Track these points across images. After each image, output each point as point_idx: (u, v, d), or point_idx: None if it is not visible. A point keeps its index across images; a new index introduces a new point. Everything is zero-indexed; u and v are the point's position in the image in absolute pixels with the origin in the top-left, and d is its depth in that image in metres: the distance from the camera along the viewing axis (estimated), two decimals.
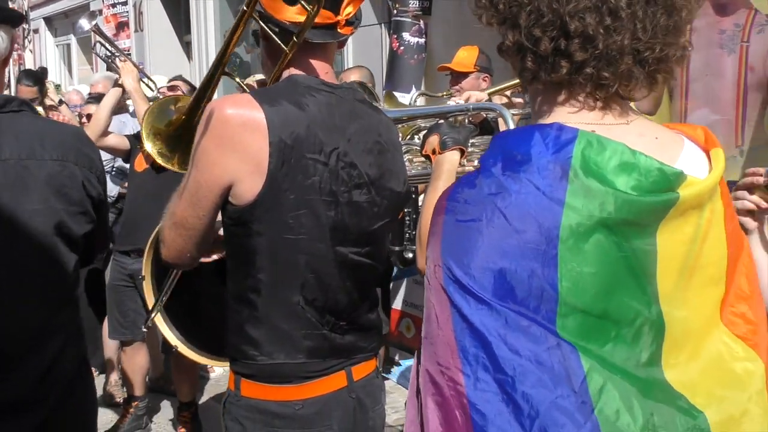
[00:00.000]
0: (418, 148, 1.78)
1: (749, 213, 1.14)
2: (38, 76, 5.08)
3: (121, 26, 7.92)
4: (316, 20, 1.26)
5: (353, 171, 1.29)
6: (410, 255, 2.32)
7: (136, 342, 3.30)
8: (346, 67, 5.07)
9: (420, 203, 2.65)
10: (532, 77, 0.88)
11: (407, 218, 2.82)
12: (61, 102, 5.73)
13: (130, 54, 7.75)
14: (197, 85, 4.31)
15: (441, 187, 1.53)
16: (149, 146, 1.84)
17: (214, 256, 1.43)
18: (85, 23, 3.45)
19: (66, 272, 1.39)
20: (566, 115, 0.87)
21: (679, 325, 0.86)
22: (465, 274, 0.80)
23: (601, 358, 0.81)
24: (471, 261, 0.80)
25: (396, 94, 4.55)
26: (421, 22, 4.65)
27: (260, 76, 3.94)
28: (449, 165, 1.59)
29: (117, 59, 3.19)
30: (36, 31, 10.32)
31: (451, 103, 2.39)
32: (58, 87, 7.24)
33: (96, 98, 4.37)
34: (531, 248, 0.79)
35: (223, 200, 1.25)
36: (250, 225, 1.24)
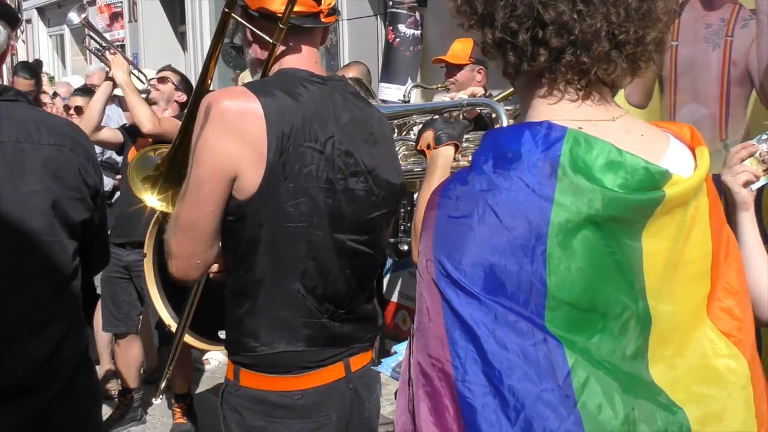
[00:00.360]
0: (413, 143, 1.80)
1: (746, 185, 1.13)
2: (35, 69, 5.05)
3: (115, 17, 7.86)
4: (300, 9, 1.29)
5: (349, 159, 1.30)
6: (405, 247, 2.35)
7: (130, 335, 3.32)
8: (342, 58, 5.07)
9: (415, 195, 2.67)
10: (515, 71, 0.90)
11: (401, 210, 2.84)
12: (55, 94, 5.70)
13: (124, 44, 7.71)
14: (190, 75, 4.31)
15: (435, 182, 1.54)
16: (149, 199, 1.84)
17: (215, 266, 1.41)
18: (74, 16, 3.41)
19: (64, 256, 1.39)
20: (549, 106, 0.89)
21: (665, 320, 0.88)
22: (456, 269, 0.82)
23: (586, 351, 0.83)
24: (462, 256, 0.82)
25: (390, 85, 4.56)
26: (417, 13, 4.64)
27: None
28: (444, 160, 1.61)
29: (107, 52, 3.17)
30: (29, 21, 10.22)
31: (446, 98, 2.41)
32: (51, 79, 7.20)
33: (83, 90, 4.35)
34: (520, 244, 0.81)
35: (228, 194, 1.24)
36: (251, 217, 1.25)
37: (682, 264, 0.90)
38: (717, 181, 1.10)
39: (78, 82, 5.84)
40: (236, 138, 1.22)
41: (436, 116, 1.84)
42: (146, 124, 2.89)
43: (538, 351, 0.81)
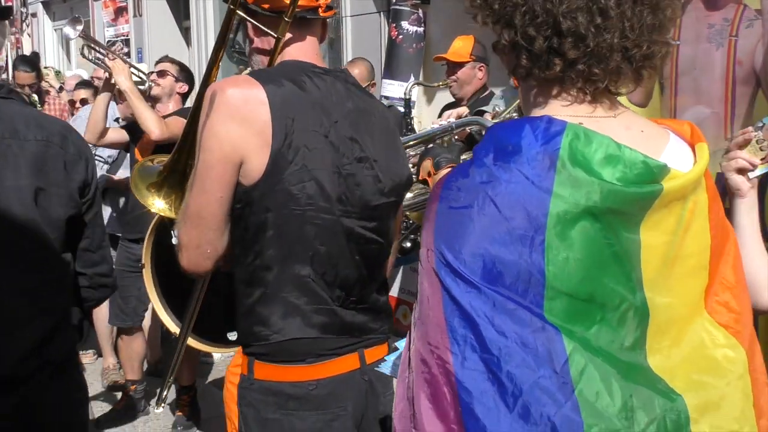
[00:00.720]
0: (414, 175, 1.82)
1: (741, 172, 1.11)
2: (34, 62, 5.08)
3: (120, 11, 7.87)
4: (301, 3, 1.31)
5: (354, 145, 1.31)
6: (408, 244, 2.36)
7: (134, 328, 3.34)
8: (345, 55, 5.08)
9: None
10: (526, 74, 0.92)
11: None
12: (61, 89, 5.72)
13: (129, 39, 7.72)
14: (194, 71, 4.30)
15: None
16: (156, 203, 1.85)
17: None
18: (71, 31, 3.38)
19: (48, 253, 1.38)
20: (558, 108, 0.91)
21: (663, 312, 0.90)
22: (456, 258, 0.84)
23: (585, 340, 0.84)
24: (462, 246, 0.84)
25: (393, 82, 4.58)
26: (420, 11, 4.64)
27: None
28: None
29: (106, 59, 3.15)
30: (34, 15, 10.24)
31: (435, 126, 2.45)
32: (58, 73, 7.21)
33: (84, 84, 4.38)
34: (519, 235, 0.83)
35: (235, 180, 1.25)
36: (258, 202, 1.26)
37: (680, 257, 0.91)
38: (721, 179, 1.12)
39: (85, 76, 5.86)
40: (241, 124, 1.23)
41: (430, 145, 1.86)
42: (154, 131, 2.90)
43: (536, 338, 0.82)
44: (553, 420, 0.80)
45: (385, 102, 3.99)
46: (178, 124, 2.93)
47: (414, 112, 4.72)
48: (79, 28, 3.42)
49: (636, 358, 0.88)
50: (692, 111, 2.35)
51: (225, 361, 3.98)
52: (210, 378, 3.82)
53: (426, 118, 4.80)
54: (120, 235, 3.42)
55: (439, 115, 3.72)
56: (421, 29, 4.68)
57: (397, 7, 4.69)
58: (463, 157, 1.78)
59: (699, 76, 2.32)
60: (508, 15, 0.88)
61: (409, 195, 1.92)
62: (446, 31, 3.90)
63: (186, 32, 7.39)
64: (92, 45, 3.50)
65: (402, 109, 3.67)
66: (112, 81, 3.07)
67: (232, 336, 1.89)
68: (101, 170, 3.80)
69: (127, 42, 7.81)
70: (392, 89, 4.49)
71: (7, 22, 1.45)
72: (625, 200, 0.85)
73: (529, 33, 0.87)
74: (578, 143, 0.85)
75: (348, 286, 1.33)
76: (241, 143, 1.23)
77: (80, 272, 1.50)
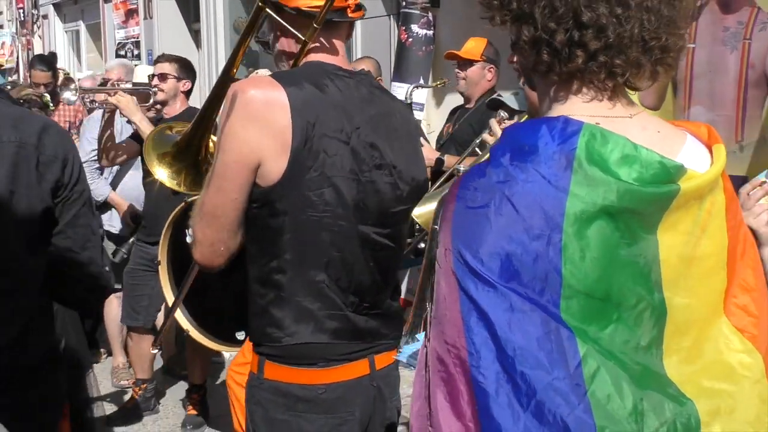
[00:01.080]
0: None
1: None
2: (51, 62, 5.12)
3: (131, 13, 7.93)
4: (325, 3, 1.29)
5: (374, 152, 1.31)
6: (422, 245, 2.36)
7: (145, 328, 3.36)
8: (355, 57, 5.09)
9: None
10: (547, 69, 0.91)
11: None
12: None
13: (139, 41, 7.77)
14: (204, 72, 4.31)
15: None
16: (160, 172, 1.87)
17: None
18: (70, 95, 3.35)
19: (12, 257, 1.35)
20: (579, 104, 0.91)
21: (681, 313, 0.90)
22: (473, 257, 0.84)
23: (598, 342, 0.84)
24: (479, 246, 0.84)
25: (403, 85, 4.59)
26: (430, 14, 4.66)
27: (263, 71, 3.96)
28: None
29: (109, 98, 3.16)
30: (45, 17, 10.33)
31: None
32: (68, 75, 7.27)
33: (104, 85, 4.42)
34: (536, 234, 0.83)
35: (251, 181, 1.25)
36: (275, 204, 1.26)
37: (697, 258, 0.91)
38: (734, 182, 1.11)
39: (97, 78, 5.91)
40: (261, 127, 1.23)
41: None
42: None
43: (550, 340, 0.82)
44: (566, 421, 0.81)
45: None
46: None
47: (422, 115, 4.74)
48: (74, 86, 3.40)
49: (650, 359, 0.89)
50: (702, 110, 2.35)
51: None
52: (220, 377, 3.84)
53: (435, 120, 4.81)
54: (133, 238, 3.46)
55: (448, 119, 3.73)
56: (430, 32, 4.69)
57: (407, 10, 4.71)
58: (461, 167, 1.77)
59: (713, 78, 2.32)
60: (527, 11, 0.89)
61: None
62: (456, 35, 3.92)
63: (196, 34, 7.44)
64: (91, 92, 3.50)
65: None
66: (125, 118, 3.10)
67: (240, 335, 1.91)
68: (105, 180, 3.83)
69: (137, 44, 7.87)
70: (401, 92, 4.50)
71: None
72: (642, 200, 0.85)
73: (549, 27, 0.87)
74: (595, 143, 0.85)
75: (362, 291, 1.34)
76: (259, 146, 1.23)
77: (68, 274, 1.47)
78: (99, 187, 3.73)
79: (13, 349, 1.36)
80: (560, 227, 0.83)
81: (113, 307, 3.61)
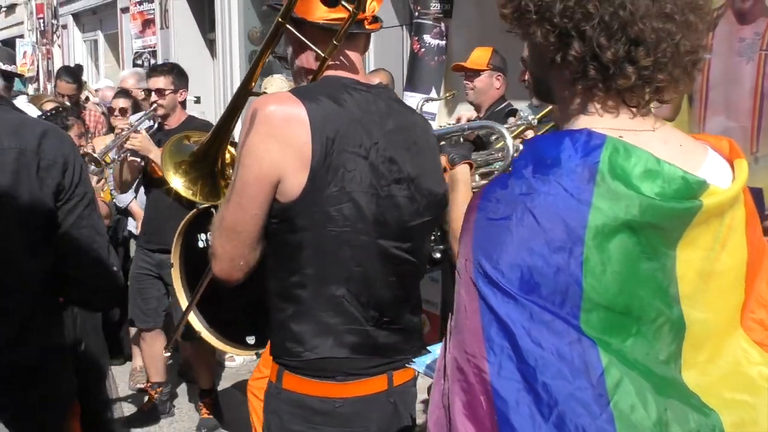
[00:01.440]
0: None
1: None
2: (76, 74, 5.19)
3: (147, 23, 8.05)
4: (346, 16, 1.29)
5: (393, 166, 1.32)
6: (437, 255, 2.38)
7: (156, 329, 3.38)
8: (368, 67, 5.12)
9: None
10: (592, 85, 0.91)
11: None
12: (87, 99, 5.85)
13: (156, 51, 7.87)
14: (219, 81, 4.33)
15: (460, 198, 1.63)
16: (176, 181, 1.89)
17: None
18: (94, 171, 3.36)
19: (13, 259, 1.35)
20: (602, 117, 0.91)
21: (699, 327, 0.90)
22: (494, 268, 0.85)
23: (620, 353, 0.84)
24: (500, 257, 0.85)
25: (415, 94, 4.61)
26: (442, 24, 4.68)
27: (278, 76, 4.00)
28: (463, 176, 1.69)
29: (123, 144, 3.20)
30: (64, 26, 10.50)
31: (444, 124, 2.49)
32: (84, 84, 7.38)
33: (123, 92, 4.49)
34: (558, 246, 0.83)
35: (271, 198, 1.25)
36: (295, 220, 1.26)
37: (716, 273, 0.91)
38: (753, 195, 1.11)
39: (112, 85, 6.00)
40: (281, 143, 1.23)
41: (442, 142, 1.89)
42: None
43: (572, 350, 0.82)
44: (588, 431, 0.81)
45: None
46: None
47: (434, 125, 4.75)
48: (95, 167, 3.37)
49: (670, 372, 0.89)
50: (717, 121, 2.34)
51: (246, 365, 4.02)
52: (230, 382, 3.88)
53: None
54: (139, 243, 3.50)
55: (456, 122, 3.74)
56: (443, 42, 4.71)
57: (420, 20, 4.73)
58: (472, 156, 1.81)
59: (728, 89, 2.32)
60: (577, 27, 0.88)
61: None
62: (468, 45, 3.93)
63: (211, 44, 7.52)
64: (106, 151, 3.47)
65: None
66: (146, 157, 3.16)
67: (251, 340, 1.92)
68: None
69: (154, 53, 7.97)
70: (413, 102, 4.51)
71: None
72: (664, 215, 0.86)
73: (601, 43, 0.87)
74: (618, 157, 0.86)
75: (382, 306, 1.33)
76: (279, 162, 1.23)
77: (73, 276, 1.47)
78: (125, 194, 3.78)
79: (12, 349, 1.36)
80: (582, 240, 0.83)
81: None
